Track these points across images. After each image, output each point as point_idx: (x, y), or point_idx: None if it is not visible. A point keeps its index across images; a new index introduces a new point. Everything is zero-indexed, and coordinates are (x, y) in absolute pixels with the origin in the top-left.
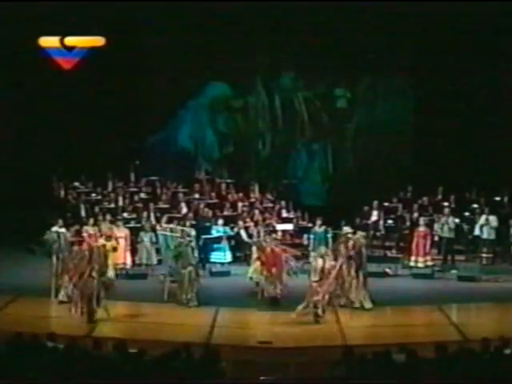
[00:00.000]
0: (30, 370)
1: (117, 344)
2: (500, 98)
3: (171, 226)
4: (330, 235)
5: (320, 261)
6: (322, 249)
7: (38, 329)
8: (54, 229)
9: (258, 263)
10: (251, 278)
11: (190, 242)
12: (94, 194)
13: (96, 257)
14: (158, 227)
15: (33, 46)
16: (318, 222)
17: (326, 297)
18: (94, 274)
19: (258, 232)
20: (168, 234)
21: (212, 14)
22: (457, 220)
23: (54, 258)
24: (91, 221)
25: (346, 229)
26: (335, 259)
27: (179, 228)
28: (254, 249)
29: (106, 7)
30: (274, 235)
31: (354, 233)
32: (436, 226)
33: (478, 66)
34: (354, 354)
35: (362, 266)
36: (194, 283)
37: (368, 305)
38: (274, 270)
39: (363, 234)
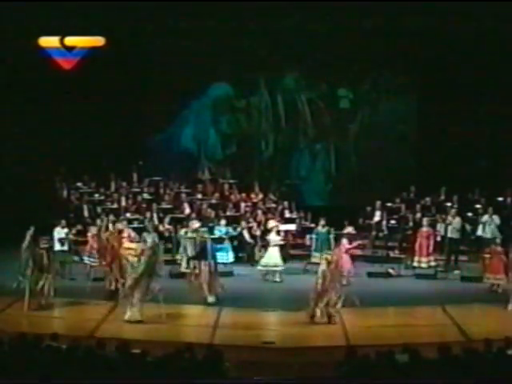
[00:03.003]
0: (33, 370)
1: (119, 344)
2: (504, 98)
3: None
4: (332, 235)
5: None
6: None
7: (41, 329)
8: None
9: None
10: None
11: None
12: (96, 195)
13: None
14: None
15: (33, 45)
16: (321, 222)
17: None
18: None
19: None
20: None
21: (214, 14)
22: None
23: None
24: (98, 221)
25: None
26: None
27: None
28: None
29: (106, 7)
30: (113, 230)
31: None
32: (439, 226)
33: (481, 66)
34: (357, 355)
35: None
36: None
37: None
38: (113, 265)
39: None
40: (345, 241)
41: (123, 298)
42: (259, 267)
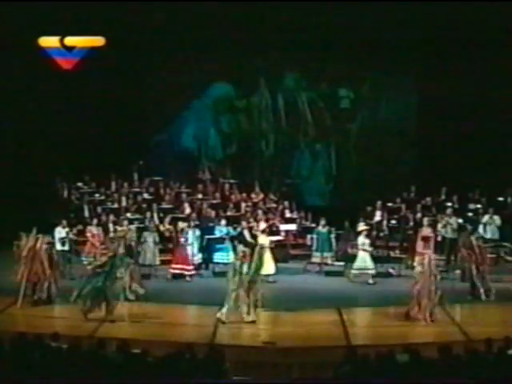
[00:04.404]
0: (34, 370)
1: (120, 344)
2: (504, 99)
3: None
4: (333, 235)
5: None
6: None
7: (42, 329)
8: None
9: None
10: None
11: None
12: (97, 195)
13: None
14: None
15: (33, 45)
16: (322, 222)
17: None
18: None
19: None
20: None
21: (215, 14)
22: (460, 220)
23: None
24: (95, 221)
25: None
26: None
27: None
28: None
29: (106, 7)
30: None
31: None
32: (439, 227)
33: (481, 66)
34: (358, 355)
35: None
36: None
37: None
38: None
39: None
40: (421, 243)
41: (235, 302)
42: (352, 270)
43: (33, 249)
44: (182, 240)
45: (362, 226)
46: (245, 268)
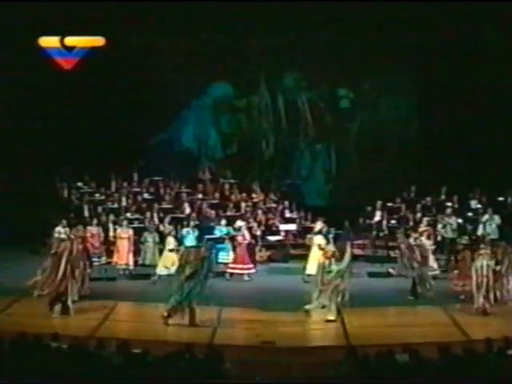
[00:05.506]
0: (34, 370)
1: (120, 344)
2: (504, 98)
3: None
4: (331, 235)
5: None
6: None
7: (42, 329)
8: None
9: None
10: None
11: None
12: (97, 195)
13: None
14: None
15: (33, 46)
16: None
17: None
18: None
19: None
20: None
21: (215, 14)
22: (460, 220)
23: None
24: (95, 221)
25: None
26: None
27: None
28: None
29: (106, 7)
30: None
31: None
32: (439, 227)
33: (481, 65)
34: (357, 354)
35: None
36: None
37: None
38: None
39: None
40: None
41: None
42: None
43: (70, 251)
44: (240, 238)
45: (423, 227)
46: (333, 266)
